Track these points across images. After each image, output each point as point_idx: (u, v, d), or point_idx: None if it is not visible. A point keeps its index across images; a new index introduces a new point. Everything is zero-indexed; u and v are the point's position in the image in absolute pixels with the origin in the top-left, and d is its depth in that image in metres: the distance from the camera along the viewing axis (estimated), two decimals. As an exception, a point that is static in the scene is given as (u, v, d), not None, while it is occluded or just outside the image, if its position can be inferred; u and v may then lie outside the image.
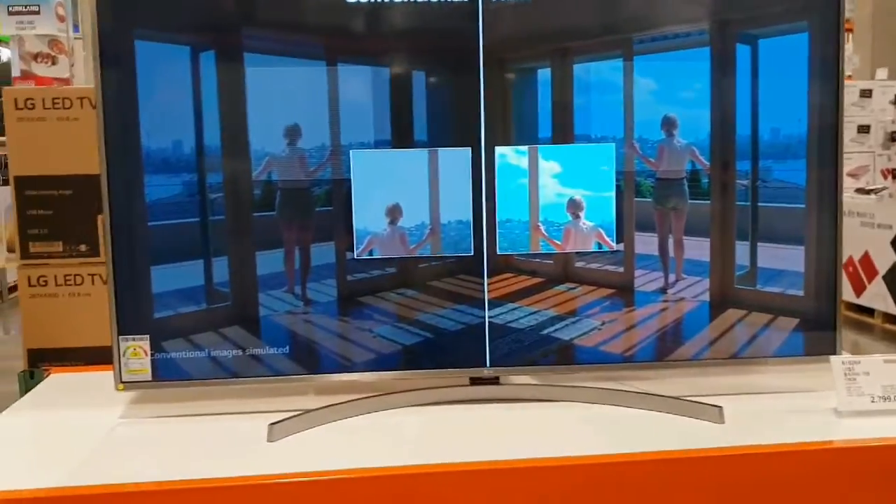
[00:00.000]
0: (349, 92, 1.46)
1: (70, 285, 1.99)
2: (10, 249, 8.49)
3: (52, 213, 2.01)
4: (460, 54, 1.47)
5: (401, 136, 1.48)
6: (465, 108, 1.47)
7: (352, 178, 1.47)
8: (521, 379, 1.59)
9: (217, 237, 1.47)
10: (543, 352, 1.54)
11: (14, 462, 1.34)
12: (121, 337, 1.44)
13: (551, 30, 1.51)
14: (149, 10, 1.44)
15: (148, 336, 1.45)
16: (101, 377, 1.79)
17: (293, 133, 1.46)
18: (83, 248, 2.02)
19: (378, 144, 1.47)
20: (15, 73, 7.71)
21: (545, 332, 1.53)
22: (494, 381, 1.53)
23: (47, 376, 1.77)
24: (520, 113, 1.52)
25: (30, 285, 2.00)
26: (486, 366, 1.51)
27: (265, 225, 1.48)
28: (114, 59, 1.41)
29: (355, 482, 1.21)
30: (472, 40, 1.46)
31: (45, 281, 1.99)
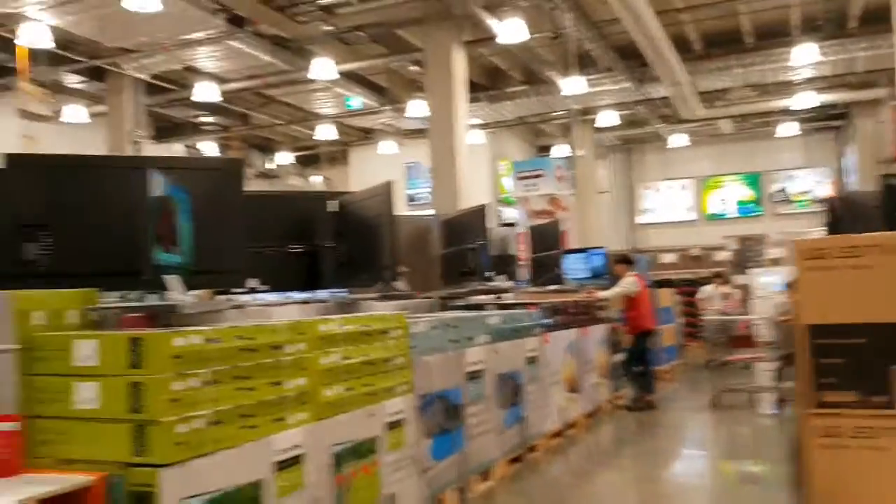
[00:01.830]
0: None
1: (863, 437, 1.91)
2: (571, 389, 8.25)
3: (844, 361, 1.97)
4: None
5: None
6: None
7: None
8: None
9: None
10: None
11: None
12: None
13: None
14: None
15: None
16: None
17: None
18: (876, 399, 1.94)
19: None
20: (519, 229, 8.66)
21: None
22: None
23: None
24: None
25: (821, 435, 1.96)
26: None
27: None
28: None
29: None
30: None
31: (837, 431, 1.93)
